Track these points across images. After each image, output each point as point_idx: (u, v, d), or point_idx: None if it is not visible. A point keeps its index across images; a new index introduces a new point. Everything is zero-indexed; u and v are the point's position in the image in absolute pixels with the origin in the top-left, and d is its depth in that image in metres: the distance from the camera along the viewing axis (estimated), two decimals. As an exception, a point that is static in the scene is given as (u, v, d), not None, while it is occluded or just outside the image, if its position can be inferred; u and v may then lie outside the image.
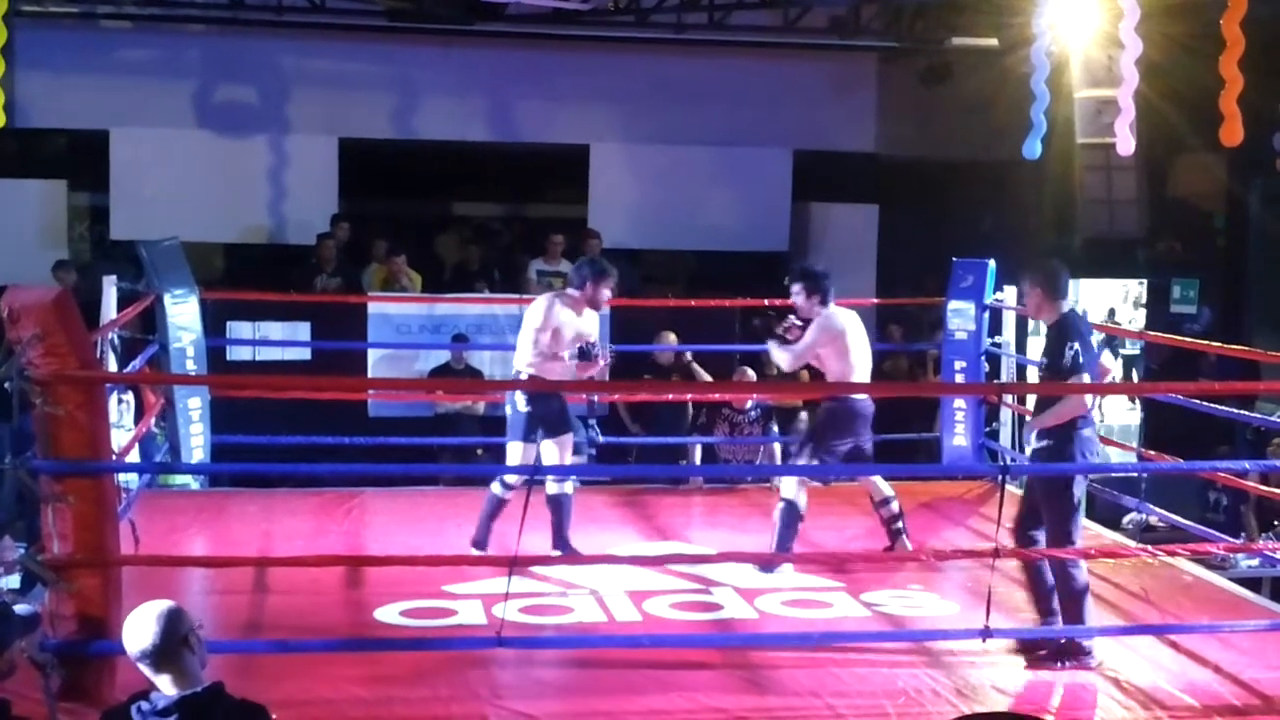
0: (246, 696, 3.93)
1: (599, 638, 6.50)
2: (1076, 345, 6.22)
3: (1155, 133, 11.49)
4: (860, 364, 7.65)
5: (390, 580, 6.98)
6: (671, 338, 10.63)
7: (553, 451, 7.56)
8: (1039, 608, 6.38)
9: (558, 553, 7.51)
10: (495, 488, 7.68)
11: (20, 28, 11.83)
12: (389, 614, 6.64)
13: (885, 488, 7.81)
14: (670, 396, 10.37)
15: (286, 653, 5.96)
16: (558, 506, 7.59)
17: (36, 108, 13.31)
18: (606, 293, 7.72)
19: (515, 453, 7.61)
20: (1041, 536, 6.31)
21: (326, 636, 6.29)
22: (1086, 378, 6.25)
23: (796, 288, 7.73)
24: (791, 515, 7.48)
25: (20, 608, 4.83)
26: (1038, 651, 6.20)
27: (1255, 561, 9.70)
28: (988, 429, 9.88)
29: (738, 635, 6.52)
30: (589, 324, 7.67)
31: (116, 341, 8.42)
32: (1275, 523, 10.50)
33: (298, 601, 6.74)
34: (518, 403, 7.55)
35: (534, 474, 7.33)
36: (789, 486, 7.57)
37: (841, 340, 7.61)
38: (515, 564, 6.69)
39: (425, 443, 10.45)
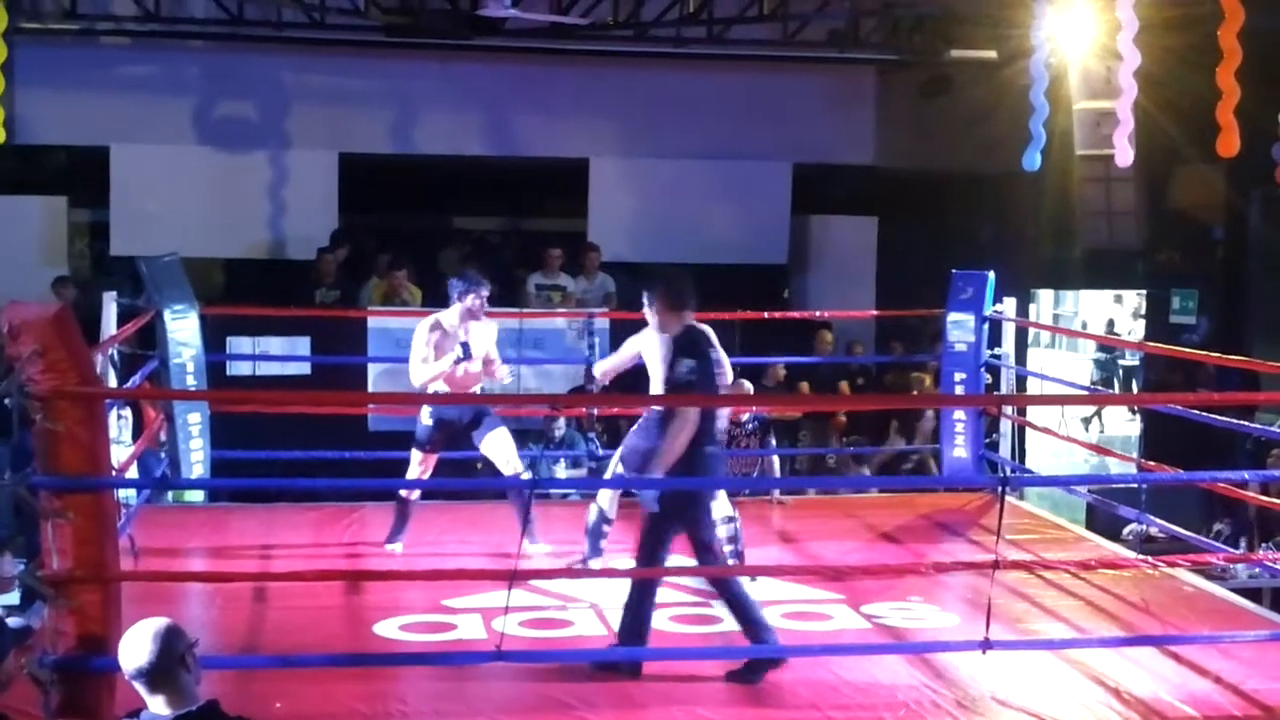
0: (245, 712, 3.93)
1: (599, 651, 6.49)
2: (691, 362, 6.19)
3: (1154, 144, 11.51)
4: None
5: (390, 594, 6.99)
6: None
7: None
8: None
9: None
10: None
11: (20, 45, 11.87)
12: (388, 628, 6.64)
13: (727, 506, 7.59)
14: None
15: (286, 668, 5.96)
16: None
17: (37, 124, 13.35)
18: (476, 301, 7.97)
19: (414, 461, 7.96)
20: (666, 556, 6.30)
21: (326, 651, 6.28)
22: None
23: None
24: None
25: (13, 621, 4.83)
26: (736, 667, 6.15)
27: (1256, 571, 9.68)
28: (987, 440, 9.87)
29: (737, 648, 6.51)
30: (479, 335, 7.95)
31: (116, 357, 8.43)
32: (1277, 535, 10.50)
33: (297, 616, 6.73)
34: (422, 415, 7.95)
35: (534, 486, 7.38)
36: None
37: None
38: (515, 578, 6.71)
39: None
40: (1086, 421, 11.69)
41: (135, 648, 3.82)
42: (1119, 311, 12.02)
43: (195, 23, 13.43)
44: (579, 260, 13.18)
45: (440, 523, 8.65)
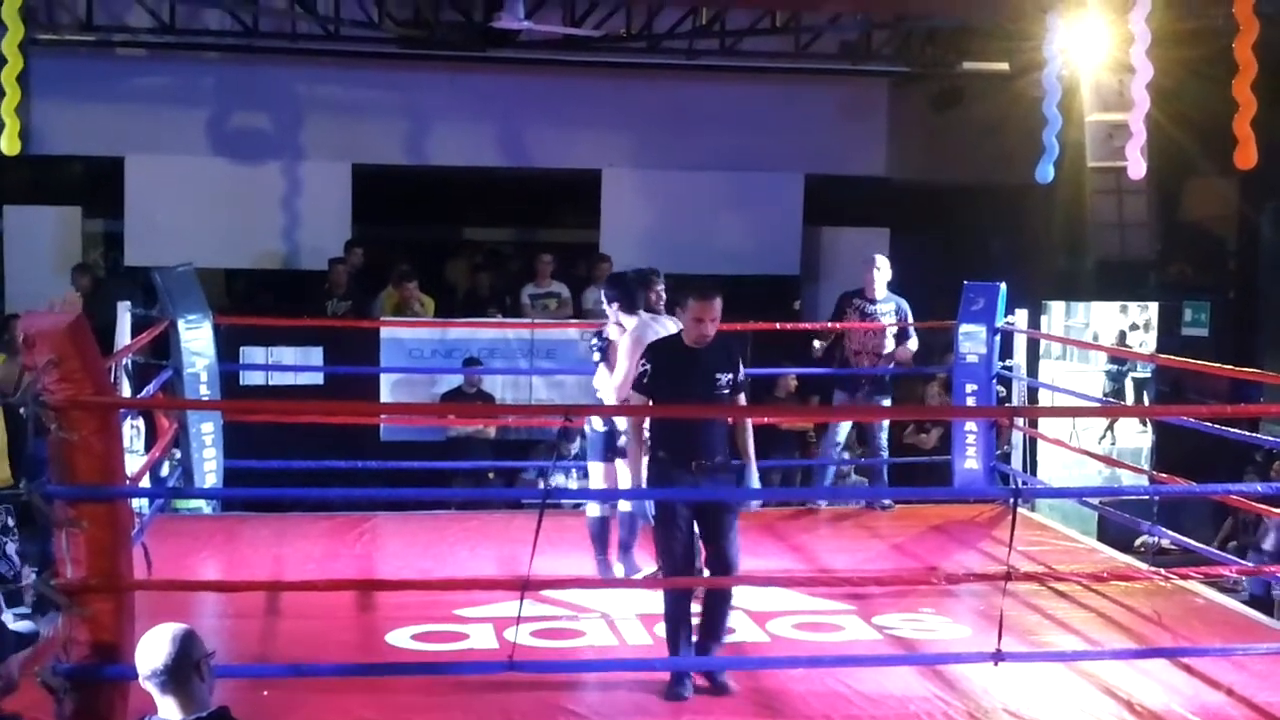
0: (256, 720, 3.95)
1: (610, 661, 6.50)
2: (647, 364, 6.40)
3: (1166, 157, 11.52)
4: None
5: (402, 604, 6.99)
6: None
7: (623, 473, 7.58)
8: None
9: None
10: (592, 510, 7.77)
11: (36, 55, 11.91)
12: (400, 638, 6.66)
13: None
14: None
15: (298, 676, 5.97)
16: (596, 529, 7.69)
17: (52, 135, 13.41)
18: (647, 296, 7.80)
19: (596, 473, 7.73)
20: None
21: (338, 660, 6.29)
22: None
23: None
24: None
25: (20, 625, 4.84)
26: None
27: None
28: (999, 452, 9.87)
29: (749, 659, 6.52)
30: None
31: (130, 367, 8.45)
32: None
33: (309, 625, 6.74)
34: (595, 424, 7.70)
35: (546, 497, 7.37)
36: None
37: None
38: (527, 588, 6.72)
39: (437, 467, 10.46)
40: (1101, 436, 11.69)
41: (153, 650, 3.84)
42: (1124, 322, 12.03)
43: (210, 34, 13.48)
44: (591, 272, 13.19)
45: (452, 532, 8.67)
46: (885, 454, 9.97)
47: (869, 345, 9.67)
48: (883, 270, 9.65)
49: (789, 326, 11.41)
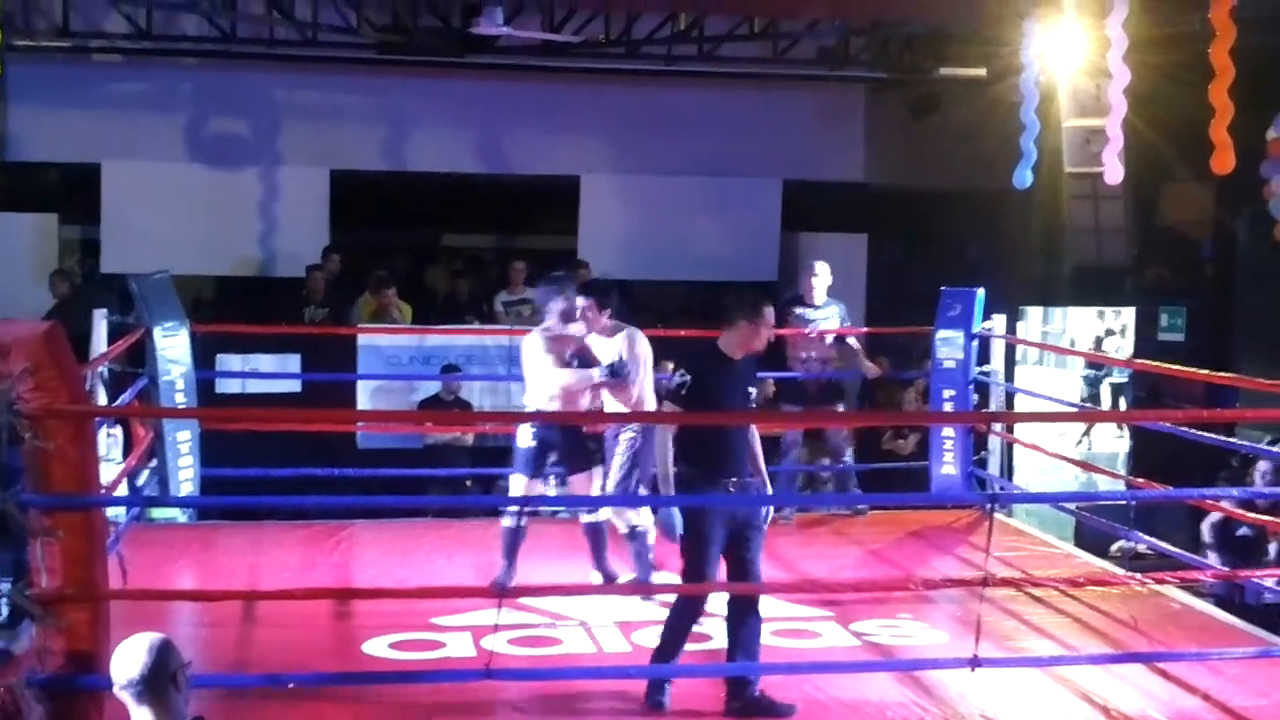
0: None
1: (588, 669, 6.49)
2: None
3: (1143, 162, 11.55)
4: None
5: (379, 613, 6.98)
6: (670, 366, 10.64)
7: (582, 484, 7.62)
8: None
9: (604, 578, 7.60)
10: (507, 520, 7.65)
11: (11, 61, 11.90)
12: (377, 646, 6.64)
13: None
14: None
15: (274, 686, 5.95)
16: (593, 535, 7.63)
17: (28, 141, 13.39)
18: (558, 304, 7.68)
19: (518, 486, 7.64)
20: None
21: (314, 669, 6.26)
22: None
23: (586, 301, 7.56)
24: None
25: None
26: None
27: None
28: (976, 457, 9.89)
29: (727, 666, 6.51)
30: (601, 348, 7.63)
31: (106, 375, 8.42)
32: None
33: (286, 634, 6.73)
34: (523, 438, 7.60)
35: (526, 504, 7.40)
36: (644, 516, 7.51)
37: None
38: (504, 595, 6.72)
39: (414, 474, 10.44)
40: (1078, 441, 11.70)
41: (128, 660, 3.81)
42: (1101, 327, 12.05)
43: (187, 40, 13.44)
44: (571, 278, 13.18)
45: (429, 540, 8.65)
46: (850, 460, 9.94)
47: (812, 352, 9.68)
48: (821, 276, 9.66)
49: (780, 332, 11.41)
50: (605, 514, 7.59)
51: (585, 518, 7.67)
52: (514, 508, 7.51)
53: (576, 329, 7.58)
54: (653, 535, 7.38)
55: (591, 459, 7.68)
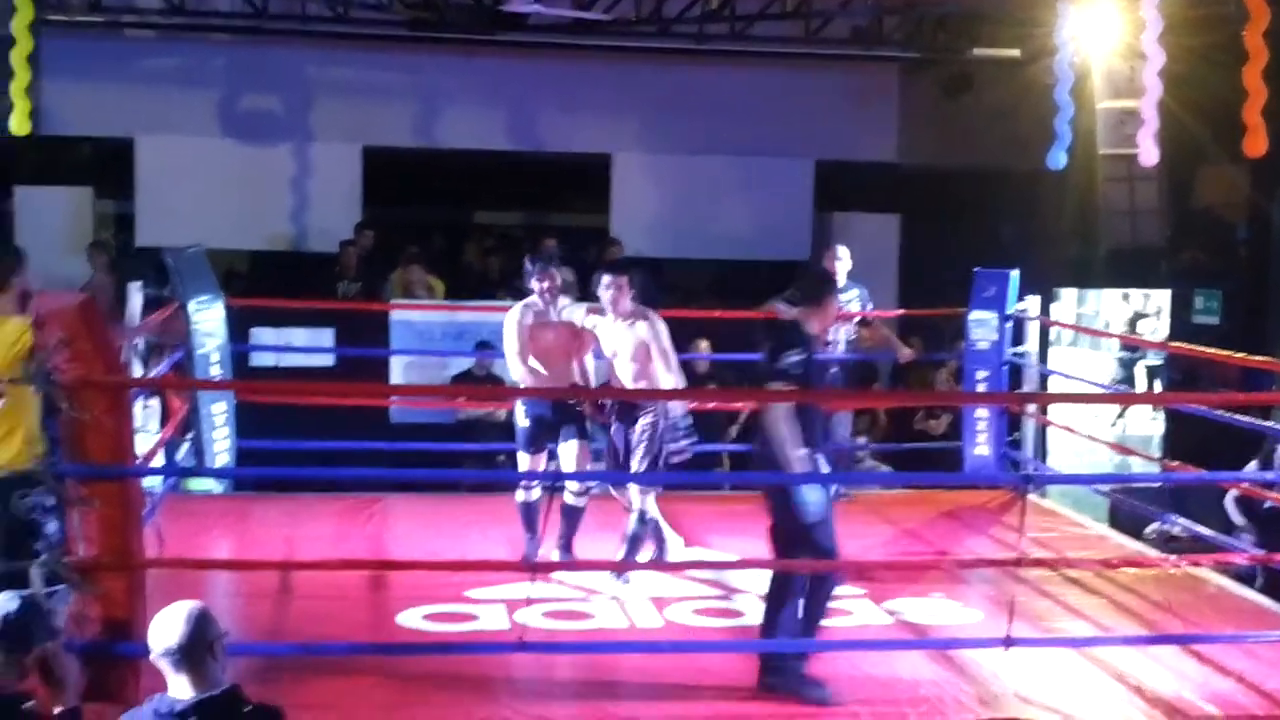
0: (267, 699, 3.95)
1: (620, 643, 6.51)
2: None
3: (1177, 143, 11.49)
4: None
5: (413, 585, 7.00)
6: (705, 346, 10.68)
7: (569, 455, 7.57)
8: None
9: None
10: (519, 494, 7.69)
11: (46, 37, 11.95)
12: (411, 618, 6.66)
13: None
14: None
15: (308, 655, 5.99)
16: (571, 515, 7.59)
17: (63, 116, 13.43)
18: (542, 282, 7.57)
19: (524, 463, 7.67)
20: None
21: (348, 640, 6.30)
22: None
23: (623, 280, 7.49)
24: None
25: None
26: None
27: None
28: (1010, 439, 9.86)
29: (759, 642, 6.51)
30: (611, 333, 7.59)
31: (142, 347, 8.46)
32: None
33: (320, 605, 6.75)
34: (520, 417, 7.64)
35: (553, 479, 7.40)
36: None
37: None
38: (537, 569, 6.74)
39: (447, 449, 10.46)
40: (1112, 423, 11.67)
41: (167, 628, 3.84)
42: (1135, 309, 12.01)
43: (220, 15, 13.50)
44: (600, 254, 13.18)
45: (463, 514, 8.68)
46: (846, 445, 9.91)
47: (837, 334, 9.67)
48: (844, 260, 9.63)
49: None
50: (632, 495, 7.55)
51: (571, 499, 7.54)
52: (528, 483, 7.55)
53: (589, 312, 7.54)
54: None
55: (585, 433, 7.59)
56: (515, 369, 7.58)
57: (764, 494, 6.18)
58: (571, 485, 7.50)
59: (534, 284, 7.60)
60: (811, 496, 5.92)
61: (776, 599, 6.03)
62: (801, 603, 6.01)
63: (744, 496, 9.41)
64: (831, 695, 5.84)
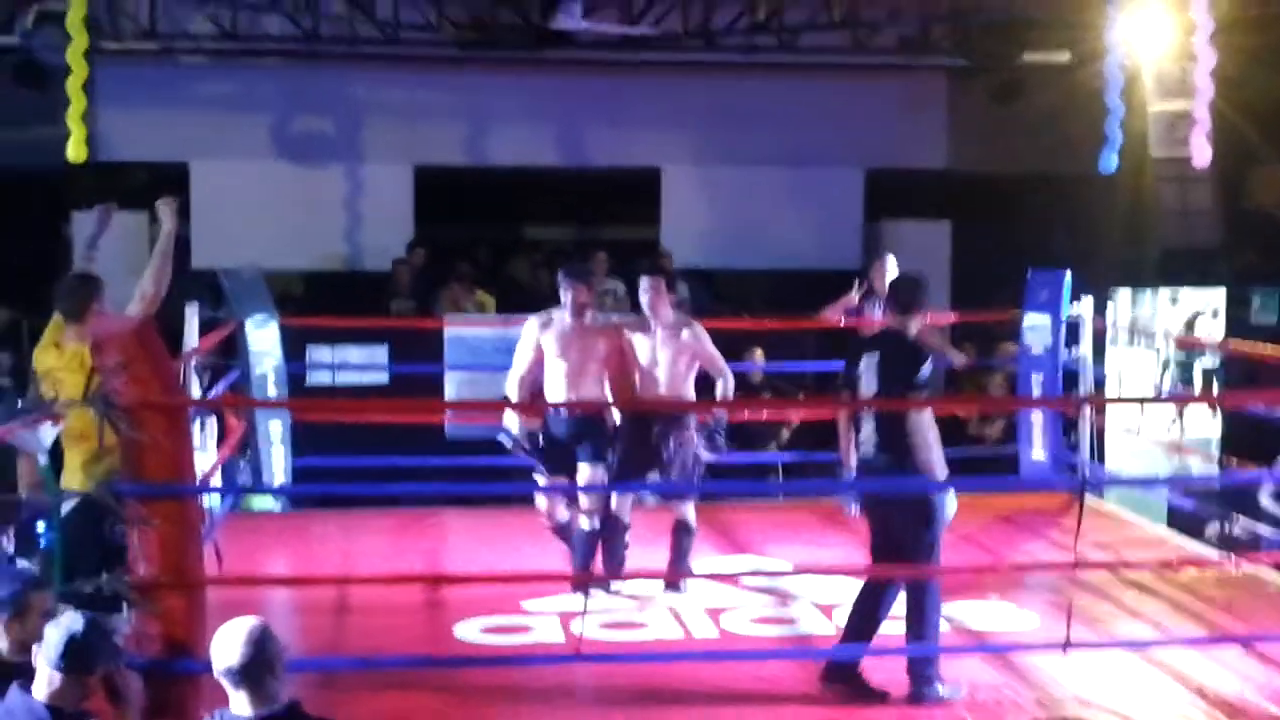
0: (326, 714, 3.99)
1: (677, 653, 6.51)
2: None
3: (1229, 144, 11.40)
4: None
5: (469, 598, 7.04)
6: (759, 354, 10.68)
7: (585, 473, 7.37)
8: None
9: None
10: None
11: (101, 65, 12.09)
12: (469, 631, 6.70)
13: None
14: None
15: (367, 670, 6.03)
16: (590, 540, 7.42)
17: (118, 142, 13.58)
18: (567, 295, 7.38)
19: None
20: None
21: (406, 654, 6.34)
22: None
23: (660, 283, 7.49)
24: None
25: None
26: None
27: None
28: (1066, 441, 9.80)
29: (815, 649, 6.51)
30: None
31: (199, 367, 8.56)
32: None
33: (378, 620, 6.81)
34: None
35: (606, 491, 7.37)
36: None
37: None
38: (592, 581, 6.75)
39: (501, 463, 10.48)
40: (1170, 425, 11.54)
41: (229, 646, 3.89)
42: (1192, 309, 11.88)
43: (271, 40, 13.61)
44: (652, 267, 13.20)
45: (517, 527, 8.70)
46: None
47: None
48: (892, 271, 9.61)
49: (853, 322, 11.37)
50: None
51: (585, 523, 7.34)
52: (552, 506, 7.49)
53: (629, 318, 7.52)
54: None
55: (600, 455, 7.33)
56: (509, 382, 7.53)
57: (868, 502, 6.30)
58: (585, 507, 7.35)
59: (562, 295, 7.44)
60: (949, 502, 6.05)
61: (883, 604, 6.09)
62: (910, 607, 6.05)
63: (797, 506, 9.48)
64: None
